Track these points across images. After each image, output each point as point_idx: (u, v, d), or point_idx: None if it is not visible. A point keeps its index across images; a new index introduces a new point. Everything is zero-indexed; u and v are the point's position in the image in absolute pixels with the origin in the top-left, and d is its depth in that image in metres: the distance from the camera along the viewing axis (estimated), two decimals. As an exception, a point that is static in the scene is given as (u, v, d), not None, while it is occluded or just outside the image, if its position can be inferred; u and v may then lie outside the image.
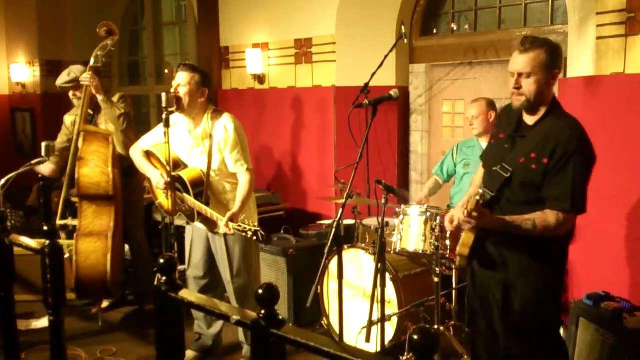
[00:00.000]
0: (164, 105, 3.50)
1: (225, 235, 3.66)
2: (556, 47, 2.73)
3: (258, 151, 6.20)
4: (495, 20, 5.12)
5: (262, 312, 1.63)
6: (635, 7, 3.57)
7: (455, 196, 4.43)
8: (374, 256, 3.58)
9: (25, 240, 2.83)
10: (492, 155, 2.93)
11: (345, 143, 5.35)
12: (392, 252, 3.95)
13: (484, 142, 4.25)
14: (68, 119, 4.87)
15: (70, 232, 4.40)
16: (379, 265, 3.28)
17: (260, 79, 6.22)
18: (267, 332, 1.61)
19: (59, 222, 4.47)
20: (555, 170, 2.64)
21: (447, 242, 3.60)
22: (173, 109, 3.56)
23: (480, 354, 3.07)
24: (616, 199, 3.74)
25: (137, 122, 4.97)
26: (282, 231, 4.90)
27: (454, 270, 3.99)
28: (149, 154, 3.86)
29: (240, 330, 3.96)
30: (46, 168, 4.61)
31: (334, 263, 3.75)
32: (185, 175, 3.66)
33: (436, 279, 3.70)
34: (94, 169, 4.15)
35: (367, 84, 4.85)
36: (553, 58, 2.70)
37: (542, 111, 2.74)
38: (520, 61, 2.67)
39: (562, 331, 4.17)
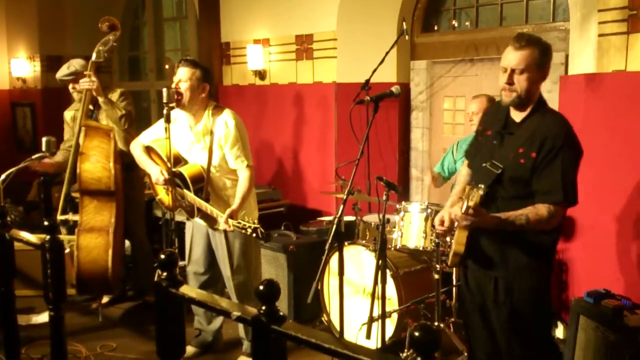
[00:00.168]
0: (164, 100, 3.49)
1: (225, 231, 3.66)
2: (548, 47, 2.78)
3: (259, 147, 6.19)
4: (497, 17, 5.11)
5: (263, 308, 1.62)
6: (637, 5, 3.56)
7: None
8: (375, 253, 3.58)
9: (25, 235, 2.83)
10: (480, 152, 2.96)
11: (345, 139, 5.35)
12: (392, 248, 3.95)
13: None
14: (68, 114, 4.86)
15: (71, 228, 4.40)
16: (380, 261, 3.28)
17: (261, 74, 6.21)
18: (268, 328, 1.61)
19: (59, 217, 4.46)
20: (544, 164, 2.68)
21: (448, 239, 3.60)
22: (174, 104, 3.55)
23: (475, 349, 3.11)
24: (617, 196, 3.74)
25: (137, 118, 4.96)
26: (282, 227, 4.90)
27: (454, 268, 3.99)
28: (149, 150, 3.85)
29: (241, 326, 3.97)
30: (51, 163, 4.60)
31: (334, 259, 3.75)
32: (186, 171, 3.66)
33: (436, 276, 3.70)
34: (96, 164, 4.14)
35: (368, 81, 4.85)
36: (544, 57, 2.75)
37: (530, 108, 2.78)
38: (515, 57, 2.71)
39: (562, 329, 4.18)
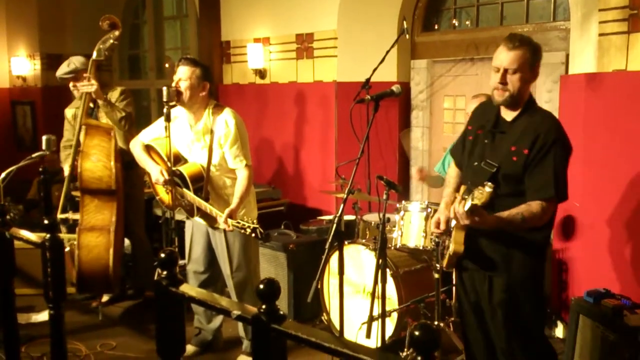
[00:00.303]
0: (165, 99, 3.49)
1: (225, 230, 3.66)
2: (539, 47, 2.83)
3: (259, 146, 6.19)
4: (497, 16, 5.10)
5: (263, 307, 1.62)
6: (637, 4, 3.56)
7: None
8: (375, 252, 3.58)
9: (25, 233, 2.83)
10: (470, 151, 2.99)
11: (346, 138, 5.34)
12: (392, 248, 3.95)
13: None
14: (69, 111, 4.86)
15: (71, 226, 4.40)
16: (380, 261, 3.27)
17: (262, 73, 6.21)
18: (268, 327, 1.61)
19: (59, 215, 4.46)
20: (536, 160, 2.73)
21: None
22: (174, 103, 3.55)
23: (470, 349, 3.15)
24: (617, 195, 3.73)
25: (137, 116, 4.96)
26: (282, 226, 4.90)
27: (450, 269, 3.99)
28: (149, 148, 3.85)
29: (240, 325, 3.97)
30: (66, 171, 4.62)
31: (334, 259, 3.75)
32: (185, 170, 3.66)
33: (436, 275, 3.70)
34: (97, 163, 4.14)
35: (368, 80, 4.84)
36: (535, 57, 2.80)
37: (520, 107, 2.83)
38: (508, 57, 2.75)
39: (562, 328, 4.18)
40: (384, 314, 3.41)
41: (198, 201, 3.59)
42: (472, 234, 2.84)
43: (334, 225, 3.06)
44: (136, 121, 4.73)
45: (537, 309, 2.94)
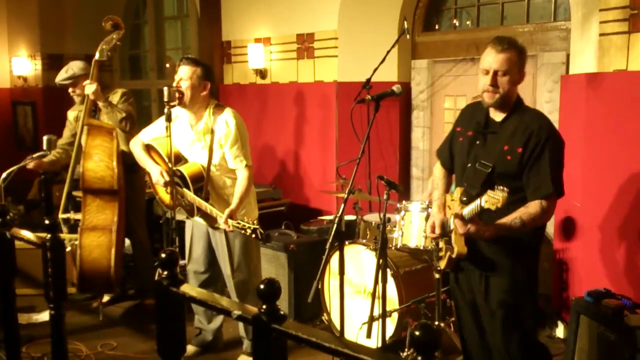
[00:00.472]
0: (165, 99, 3.49)
1: (225, 230, 3.66)
2: (525, 50, 2.91)
3: (259, 146, 6.19)
4: (498, 16, 5.10)
5: (264, 307, 1.63)
6: (638, 4, 3.56)
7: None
8: (375, 252, 3.58)
9: (26, 234, 2.83)
10: (460, 153, 3.03)
11: (346, 138, 5.34)
12: (393, 248, 3.95)
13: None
14: (71, 114, 4.87)
15: (73, 226, 4.40)
16: (380, 261, 3.28)
17: (262, 73, 6.21)
18: (269, 327, 1.61)
19: (61, 215, 4.47)
20: (532, 160, 2.78)
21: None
22: (175, 103, 3.55)
23: (466, 346, 3.18)
24: (618, 195, 3.73)
25: (138, 117, 4.96)
26: (283, 226, 4.90)
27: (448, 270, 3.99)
28: (149, 148, 3.85)
29: (241, 325, 3.97)
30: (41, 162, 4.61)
31: (334, 259, 3.75)
32: (185, 170, 3.66)
33: (437, 275, 3.70)
34: (99, 163, 4.14)
35: (369, 80, 4.85)
36: (522, 59, 2.87)
37: (509, 108, 2.88)
38: (498, 59, 2.80)
39: (562, 328, 4.18)
40: (384, 314, 3.41)
41: (198, 201, 3.59)
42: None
43: (335, 226, 3.06)
44: (137, 122, 4.73)
45: (534, 307, 2.99)
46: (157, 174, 3.66)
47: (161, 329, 1.98)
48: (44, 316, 4.46)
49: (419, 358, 1.34)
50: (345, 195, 3.16)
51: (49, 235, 2.57)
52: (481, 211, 2.66)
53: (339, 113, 5.54)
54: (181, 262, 3.81)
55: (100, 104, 4.42)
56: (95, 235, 4.12)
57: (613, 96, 3.72)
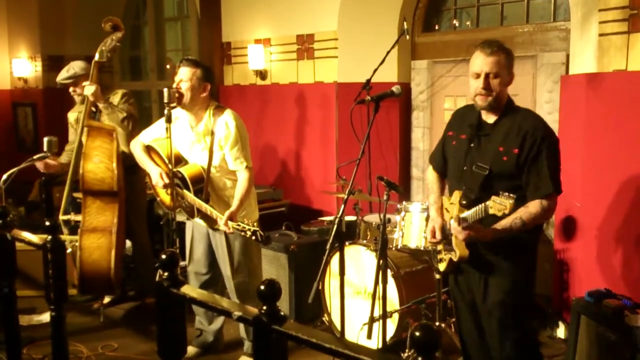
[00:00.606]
0: (165, 100, 3.49)
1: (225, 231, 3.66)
2: (511, 51, 2.94)
3: (260, 147, 6.20)
4: (498, 17, 5.11)
5: (264, 308, 1.63)
6: (637, 4, 3.56)
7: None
8: (375, 253, 3.58)
9: (27, 235, 2.83)
10: (454, 156, 3.06)
11: (346, 139, 5.35)
12: (393, 248, 3.95)
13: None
14: (71, 115, 4.87)
15: (73, 228, 4.40)
16: (381, 261, 3.28)
17: (262, 74, 6.21)
18: (269, 328, 1.61)
19: (61, 217, 4.47)
20: (529, 161, 2.81)
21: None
22: (175, 104, 3.55)
23: (465, 344, 3.20)
24: (618, 195, 3.73)
25: (138, 118, 4.95)
26: (283, 227, 4.90)
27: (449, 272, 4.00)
28: (149, 149, 3.85)
29: (242, 326, 3.97)
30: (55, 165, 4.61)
31: (335, 259, 3.75)
32: (186, 171, 3.66)
33: (437, 276, 3.70)
34: (99, 165, 4.14)
35: (369, 80, 4.85)
36: (511, 61, 2.90)
37: (501, 110, 2.90)
38: (488, 62, 2.83)
39: (563, 329, 4.18)
40: (385, 315, 3.41)
41: (198, 203, 3.59)
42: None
43: (335, 226, 3.06)
44: (139, 121, 4.73)
45: (531, 307, 3.05)
46: (156, 175, 3.67)
47: (162, 330, 1.98)
48: (45, 317, 4.46)
49: (419, 359, 1.34)
50: (346, 196, 3.16)
51: (49, 237, 2.57)
52: (485, 216, 2.68)
53: (339, 114, 5.54)
54: (182, 263, 3.81)
55: (100, 105, 4.42)
56: (95, 237, 4.12)
57: (613, 96, 3.72)
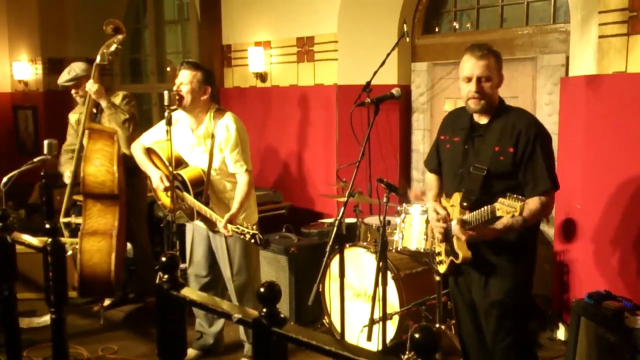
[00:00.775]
0: (166, 103, 3.50)
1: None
2: (500, 54, 2.96)
3: (260, 149, 6.20)
4: (497, 19, 5.11)
5: (264, 310, 1.63)
6: (637, 6, 3.57)
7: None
8: (376, 255, 3.58)
9: (27, 238, 2.84)
10: (451, 159, 3.06)
11: (347, 141, 5.35)
12: (393, 250, 3.95)
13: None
14: (72, 116, 4.87)
15: (74, 230, 4.41)
16: (381, 263, 3.28)
17: (262, 77, 6.22)
18: (269, 330, 1.61)
19: (62, 219, 4.47)
20: (525, 159, 2.83)
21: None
22: (175, 107, 3.56)
23: (467, 350, 3.21)
24: (618, 197, 3.74)
25: (139, 120, 4.96)
26: (283, 229, 4.90)
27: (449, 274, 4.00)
28: (150, 151, 3.85)
29: (242, 328, 3.97)
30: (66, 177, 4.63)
31: (335, 262, 3.75)
32: (186, 174, 3.66)
33: (437, 278, 3.70)
34: (99, 168, 4.14)
35: (369, 83, 4.85)
36: (500, 64, 2.93)
37: (493, 111, 2.92)
38: (479, 66, 2.86)
39: (563, 330, 4.18)
40: (384, 317, 3.41)
41: (198, 205, 3.59)
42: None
43: (335, 228, 3.06)
44: (140, 124, 4.73)
45: (529, 307, 3.09)
46: (157, 179, 3.67)
47: (162, 333, 1.98)
48: (45, 320, 4.46)
49: (419, 360, 1.34)
50: (346, 198, 3.16)
51: (49, 240, 2.58)
52: (492, 218, 2.69)
53: (339, 116, 5.54)
54: (182, 266, 3.81)
55: (103, 104, 4.42)
56: (95, 240, 4.13)
57: (612, 98, 3.72)
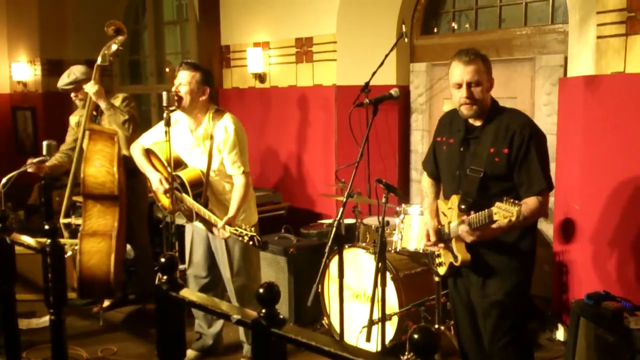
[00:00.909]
0: (164, 104, 3.50)
1: (223, 236, 3.66)
2: (487, 57, 2.96)
3: (259, 150, 6.20)
4: (496, 20, 5.11)
5: (263, 311, 1.63)
6: (635, 7, 3.57)
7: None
8: (375, 255, 3.58)
9: (26, 239, 2.84)
10: (447, 161, 3.07)
11: (345, 142, 5.35)
12: (392, 251, 3.95)
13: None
14: (73, 119, 4.87)
15: (74, 231, 4.41)
16: (380, 264, 3.28)
17: (261, 77, 6.22)
18: (268, 331, 1.61)
19: (62, 220, 4.47)
20: (520, 159, 2.84)
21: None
22: (174, 108, 3.55)
23: (465, 351, 3.21)
24: (617, 197, 3.74)
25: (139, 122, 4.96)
26: (282, 230, 4.90)
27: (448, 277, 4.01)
28: (149, 152, 3.85)
29: (241, 329, 3.97)
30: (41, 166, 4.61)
31: (334, 262, 3.76)
32: (185, 175, 3.66)
33: (437, 278, 3.70)
34: (100, 169, 4.14)
35: (367, 83, 4.85)
36: (488, 67, 2.92)
37: (486, 114, 2.92)
38: (468, 72, 2.85)
39: (562, 331, 4.18)
40: (384, 318, 3.41)
41: (197, 207, 3.59)
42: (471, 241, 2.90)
43: (334, 229, 3.06)
44: (140, 125, 4.73)
45: (527, 307, 3.06)
46: (156, 181, 3.67)
47: (161, 334, 1.98)
48: (44, 321, 4.46)
49: (418, 361, 1.35)
50: (345, 199, 3.16)
51: (48, 241, 2.58)
52: (489, 222, 2.69)
53: (338, 116, 5.54)
54: (181, 267, 3.81)
55: (102, 105, 4.42)
56: (95, 241, 4.13)
57: (611, 98, 3.73)
